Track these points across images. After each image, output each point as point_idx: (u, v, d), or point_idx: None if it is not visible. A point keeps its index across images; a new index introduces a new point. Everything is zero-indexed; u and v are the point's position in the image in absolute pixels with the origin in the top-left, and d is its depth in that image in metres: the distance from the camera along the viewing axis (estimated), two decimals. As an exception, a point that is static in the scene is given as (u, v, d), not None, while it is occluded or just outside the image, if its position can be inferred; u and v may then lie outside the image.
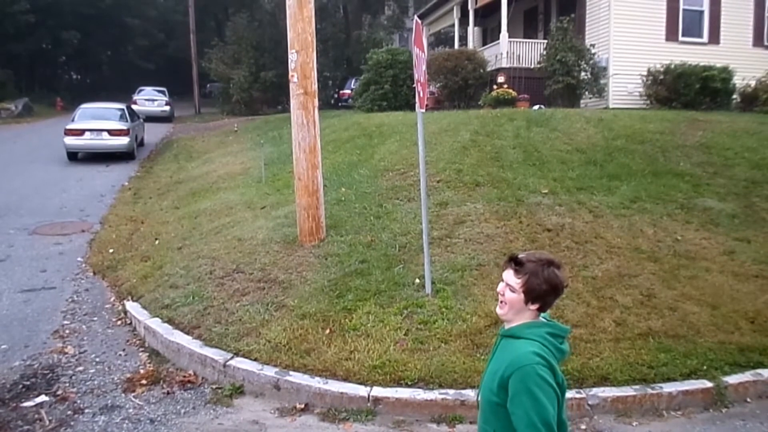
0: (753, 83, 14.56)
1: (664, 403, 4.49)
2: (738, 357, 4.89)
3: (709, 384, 4.59)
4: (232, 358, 4.88)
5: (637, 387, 4.53)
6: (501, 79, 15.86)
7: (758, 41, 16.72)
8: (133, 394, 4.62)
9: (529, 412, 1.98)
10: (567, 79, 14.92)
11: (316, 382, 4.53)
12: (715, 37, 16.32)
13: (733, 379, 4.66)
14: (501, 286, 2.18)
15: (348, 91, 25.35)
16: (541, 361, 2.03)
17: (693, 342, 5.04)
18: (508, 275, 2.15)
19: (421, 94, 5.72)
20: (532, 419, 1.98)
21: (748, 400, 4.63)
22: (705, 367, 4.74)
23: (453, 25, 22.51)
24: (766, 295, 5.85)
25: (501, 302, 2.18)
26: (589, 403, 4.40)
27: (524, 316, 2.15)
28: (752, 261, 6.51)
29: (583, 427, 4.28)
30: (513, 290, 2.13)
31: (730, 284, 6.02)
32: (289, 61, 6.79)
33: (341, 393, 4.44)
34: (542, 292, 2.10)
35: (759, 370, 4.76)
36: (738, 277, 6.16)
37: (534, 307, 2.13)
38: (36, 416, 4.32)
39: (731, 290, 5.91)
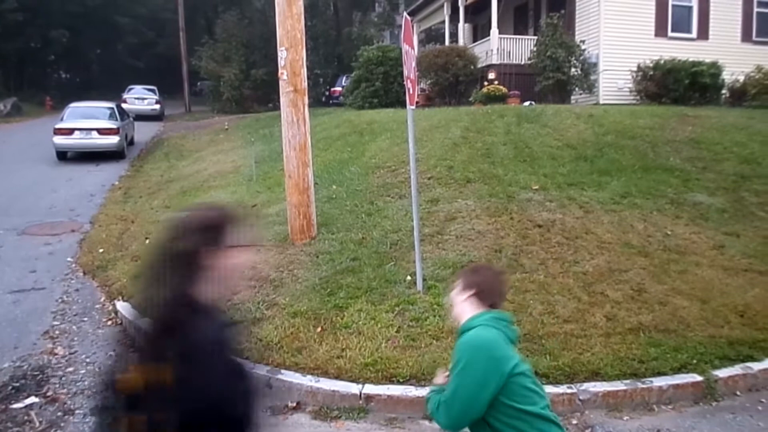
0: (742, 78, 14.66)
1: (654, 397, 4.51)
2: (728, 351, 4.91)
3: (699, 378, 4.61)
4: (223, 357, 4.85)
5: (627, 381, 4.54)
6: (491, 75, 15.89)
7: (747, 37, 16.81)
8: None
9: (455, 380, 2.12)
10: (557, 75, 14.97)
11: (308, 381, 4.51)
12: (704, 33, 16.40)
13: (723, 373, 4.68)
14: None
15: (339, 89, 25.28)
16: (483, 334, 2.15)
17: (683, 336, 5.07)
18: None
19: (411, 91, 5.71)
20: (455, 391, 2.10)
21: (738, 393, 4.65)
22: (695, 361, 4.76)
23: (443, 22, 22.49)
24: (755, 288, 5.89)
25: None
26: (580, 398, 4.42)
27: (466, 309, 2.30)
28: (741, 255, 6.56)
29: (574, 422, 4.30)
30: (452, 299, 2.38)
31: (720, 278, 6.06)
32: (279, 58, 6.77)
33: (333, 391, 4.43)
34: (470, 278, 2.37)
35: (749, 364, 4.79)
36: (728, 272, 6.20)
37: (468, 293, 2.30)
38: (26, 418, 4.29)
39: (721, 284, 5.95)
